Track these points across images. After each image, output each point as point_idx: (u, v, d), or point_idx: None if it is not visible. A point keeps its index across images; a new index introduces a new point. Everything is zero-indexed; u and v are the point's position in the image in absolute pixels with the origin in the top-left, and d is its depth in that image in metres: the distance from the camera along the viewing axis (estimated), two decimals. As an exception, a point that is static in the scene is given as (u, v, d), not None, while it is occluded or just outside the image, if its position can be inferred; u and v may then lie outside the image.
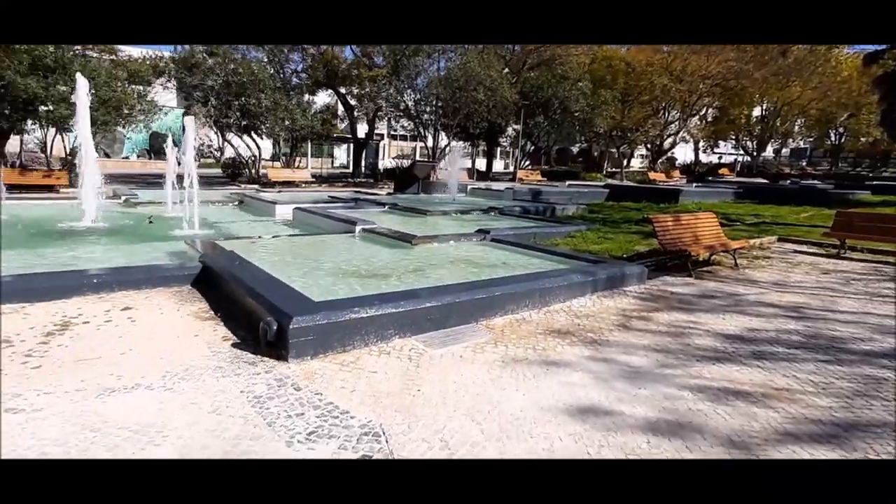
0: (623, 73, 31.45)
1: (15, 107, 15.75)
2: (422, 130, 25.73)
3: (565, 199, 17.61)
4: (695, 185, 25.09)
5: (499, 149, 50.54)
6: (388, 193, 18.77)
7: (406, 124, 27.16)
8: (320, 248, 8.07)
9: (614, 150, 38.92)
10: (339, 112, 27.31)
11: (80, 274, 5.58)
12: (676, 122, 37.61)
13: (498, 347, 4.44)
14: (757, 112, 47.15)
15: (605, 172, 41.45)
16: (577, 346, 4.55)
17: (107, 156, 37.42)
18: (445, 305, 4.81)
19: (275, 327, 3.99)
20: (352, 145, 29.68)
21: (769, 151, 54.29)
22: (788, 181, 30.46)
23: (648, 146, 42.13)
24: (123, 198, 14.06)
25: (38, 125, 17.37)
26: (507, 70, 26.07)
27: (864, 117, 41.95)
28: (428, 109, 24.83)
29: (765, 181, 31.52)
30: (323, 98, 26.92)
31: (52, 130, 17.73)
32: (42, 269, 6.24)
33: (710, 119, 46.52)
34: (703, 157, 54.53)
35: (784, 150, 61.66)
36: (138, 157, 38.76)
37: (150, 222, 10.61)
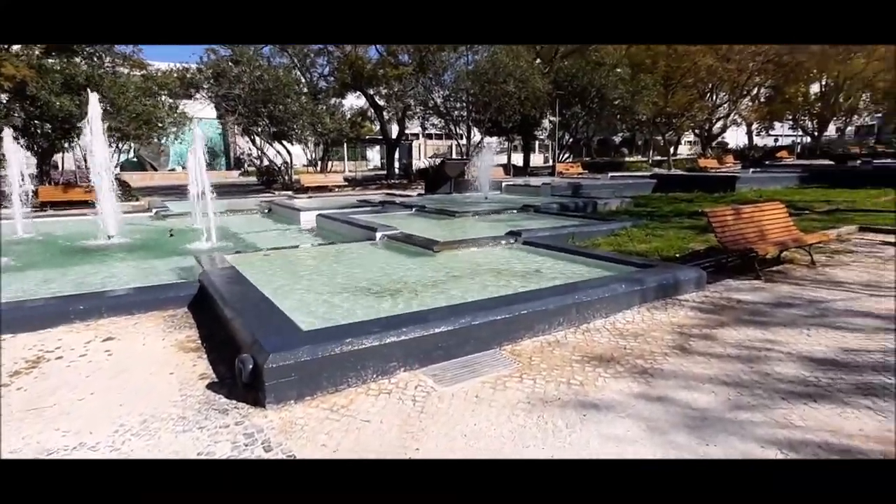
0: (664, 56, 29.51)
1: (53, 126, 16.07)
2: (453, 127, 24.83)
3: (608, 193, 16.40)
4: (752, 170, 23.10)
5: (537, 142, 49.19)
6: (419, 195, 18.10)
7: (437, 122, 26.38)
8: (336, 259, 7.44)
9: (659, 137, 36.87)
10: (370, 113, 26.86)
11: (69, 300, 5.14)
12: (726, 105, 35.18)
13: (523, 382, 3.62)
14: (815, 89, 43.67)
15: (650, 161, 39.43)
16: (623, 378, 3.66)
17: (154, 168, 38.75)
18: (461, 329, 4.03)
19: (250, 366, 3.33)
20: (384, 146, 29.21)
21: (831, 131, 50.30)
22: (858, 161, 27.76)
23: (696, 132, 39.74)
24: (154, 210, 14.04)
25: (76, 143, 17.72)
26: (538, 60, 24.82)
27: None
28: (458, 105, 23.93)
29: (830, 163, 28.87)
30: (352, 100, 26.53)
31: (91, 147, 18.06)
32: (55, 290, 5.92)
33: (763, 99, 43.43)
34: (758, 141, 51.10)
35: (848, 129, 57.02)
36: (183, 168, 39.83)
37: (171, 236, 10.36)
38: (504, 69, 20.52)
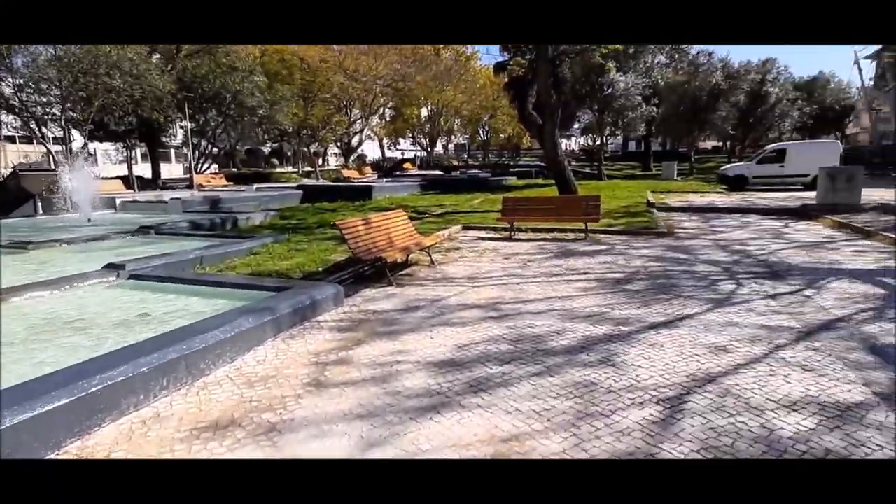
0: (299, 69, 30.34)
1: None
2: (36, 128, 18.69)
3: (252, 206, 15.42)
4: (385, 180, 26.06)
5: (173, 151, 43.55)
6: (-20, 219, 12.92)
7: (10, 121, 19.46)
8: None
9: (307, 148, 37.89)
10: None
11: None
12: (360, 121, 38.93)
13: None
14: (425, 112, 53.31)
15: (300, 172, 40.16)
16: (242, 448, 2.88)
17: None
18: (-33, 448, 2.46)
19: None
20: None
21: (440, 147, 62.47)
22: (458, 172, 35.02)
23: (339, 144, 42.67)
24: None
25: None
26: (156, 55, 21.43)
27: (500, 118, 52.05)
28: (42, 100, 18.14)
29: (441, 173, 35.49)
30: None
31: None
32: None
33: (388, 118, 50.21)
34: (391, 154, 58.90)
35: (450, 146, 72.23)
36: None
37: None
38: (106, 60, 16.62)
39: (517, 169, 34.45)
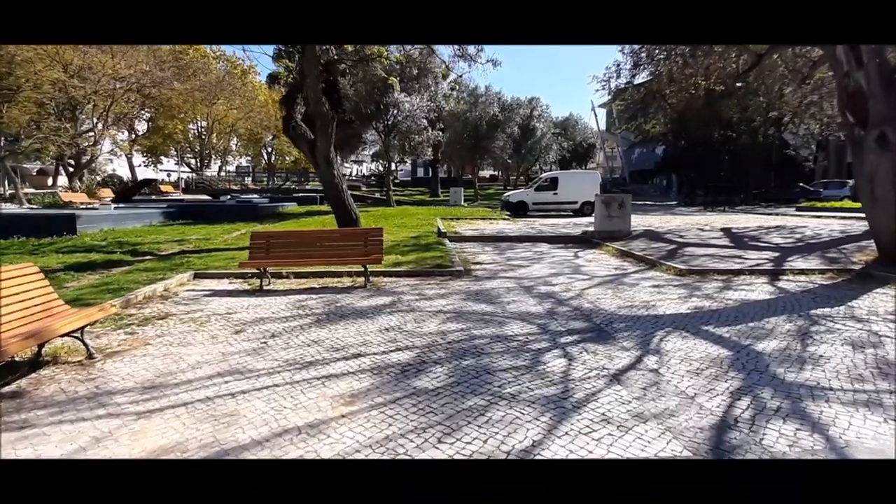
0: (-15, 55, 22.08)
1: None
2: None
3: None
4: (114, 206, 20.00)
5: None
6: None
7: None
8: None
9: (0, 161, 28.14)
10: None
11: None
12: (95, 132, 30.74)
13: None
14: (194, 128, 45.98)
15: (5, 195, 29.89)
16: None
17: None
18: None
19: None
20: None
21: (214, 168, 54.86)
22: (228, 196, 30.01)
23: (68, 160, 33.19)
24: None
25: None
26: None
27: (286, 139, 47.80)
28: None
29: (208, 197, 29.93)
30: None
31: None
32: None
33: (143, 131, 41.69)
34: (152, 175, 49.11)
35: (230, 168, 64.29)
36: None
37: None
38: None
39: (301, 194, 31.12)
